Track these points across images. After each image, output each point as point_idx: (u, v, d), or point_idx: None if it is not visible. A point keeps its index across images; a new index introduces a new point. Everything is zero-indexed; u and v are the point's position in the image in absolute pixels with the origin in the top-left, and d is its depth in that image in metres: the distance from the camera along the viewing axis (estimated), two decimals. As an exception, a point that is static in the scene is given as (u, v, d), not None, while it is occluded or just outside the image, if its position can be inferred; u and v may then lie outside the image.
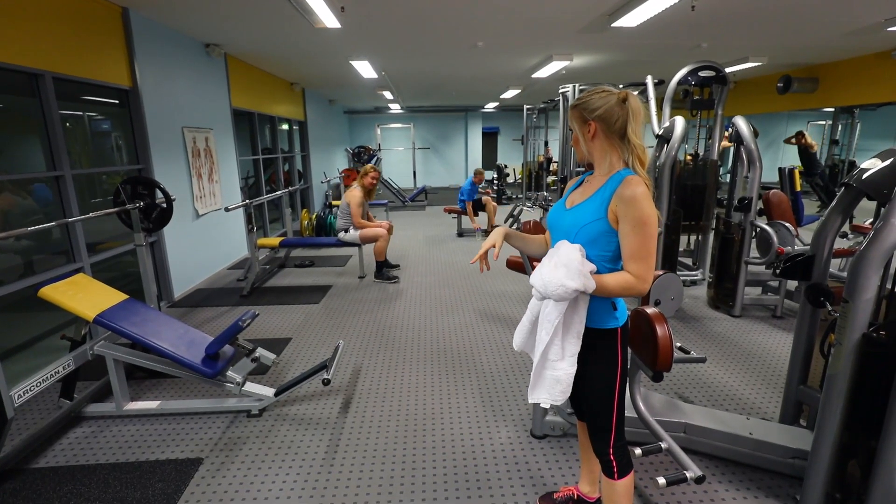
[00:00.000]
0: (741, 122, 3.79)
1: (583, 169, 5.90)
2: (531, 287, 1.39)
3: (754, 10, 4.30)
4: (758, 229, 3.73)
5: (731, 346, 3.43)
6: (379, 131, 14.36)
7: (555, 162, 11.42)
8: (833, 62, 7.09)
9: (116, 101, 4.09)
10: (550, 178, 11.47)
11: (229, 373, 2.57)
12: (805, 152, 8.10)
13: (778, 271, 2.10)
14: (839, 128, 11.40)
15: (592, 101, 1.36)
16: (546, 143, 11.02)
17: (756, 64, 6.63)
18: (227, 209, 4.69)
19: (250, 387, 2.66)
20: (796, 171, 5.92)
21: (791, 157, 12.93)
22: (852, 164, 10.46)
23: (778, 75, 7.63)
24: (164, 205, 3.17)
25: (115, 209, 3.05)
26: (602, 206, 1.34)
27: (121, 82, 3.97)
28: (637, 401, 2.06)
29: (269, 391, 2.68)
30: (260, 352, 2.72)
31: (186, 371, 2.51)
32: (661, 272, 2.14)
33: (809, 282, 2.02)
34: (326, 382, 2.49)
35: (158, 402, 2.67)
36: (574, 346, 1.39)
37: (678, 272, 4.57)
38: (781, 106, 8.34)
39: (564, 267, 1.31)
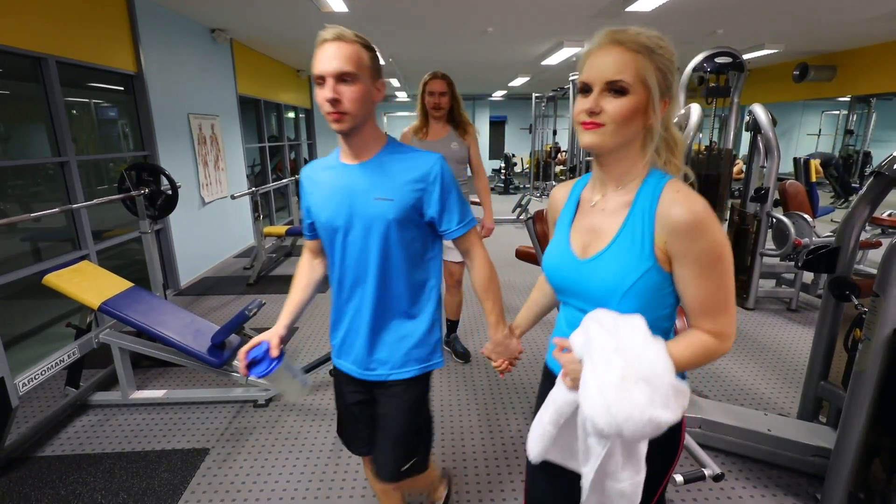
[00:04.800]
0: (759, 110, 3.68)
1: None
2: (565, 399, 0.89)
3: (774, -7, 4.18)
4: (774, 220, 3.64)
5: (745, 340, 3.36)
6: (385, 119, 14.27)
7: (563, 151, 11.30)
8: (851, 49, 6.90)
9: (122, 88, 4.04)
10: (558, 168, 11.35)
11: (235, 362, 2.54)
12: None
13: (800, 263, 2.03)
14: (854, 118, 11.18)
15: (673, 67, 0.87)
16: (555, 133, 10.89)
17: (772, 51, 6.47)
18: (233, 197, 4.65)
19: (257, 376, 2.62)
20: (812, 162, 5.81)
21: (805, 147, 12.74)
22: (867, 155, 10.27)
23: (794, 63, 7.45)
24: (170, 192, 3.13)
25: (120, 196, 3.01)
26: (645, 244, 0.87)
27: (126, 67, 3.91)
28: (652, 395, 2.00)
29: (275, 381, 2.64)
30: (266, 341, 2.69)
31: (192, 360, 2.48)
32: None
33: (834, 275, 1.95)
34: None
35: (164, 391, 2.65)
36: (641, 447, 0.88)
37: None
38: (797, 94, 8.16)
39: (645, 383, 0.76)
